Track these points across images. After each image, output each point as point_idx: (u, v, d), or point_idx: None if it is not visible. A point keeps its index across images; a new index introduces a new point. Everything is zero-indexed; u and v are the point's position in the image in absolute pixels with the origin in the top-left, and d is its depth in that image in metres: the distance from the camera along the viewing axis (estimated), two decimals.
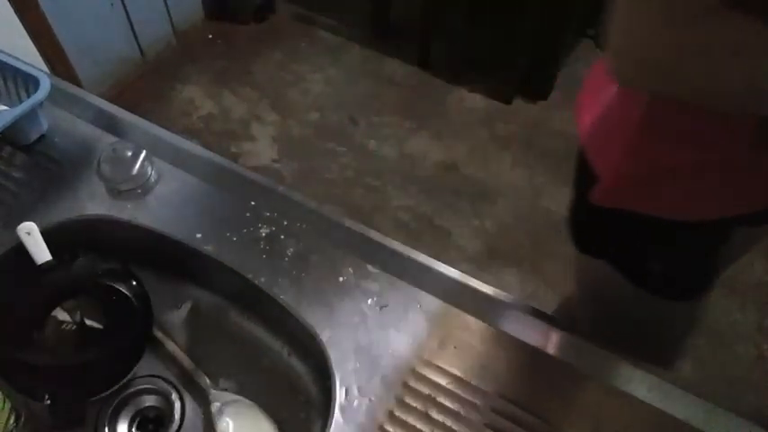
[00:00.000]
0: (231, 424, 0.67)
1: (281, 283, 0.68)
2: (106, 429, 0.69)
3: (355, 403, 0.60)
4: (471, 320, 0.67)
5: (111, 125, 0.84)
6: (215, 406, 0.68)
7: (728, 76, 0.43)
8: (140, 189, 0.76)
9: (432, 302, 0.68)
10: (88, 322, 0.72)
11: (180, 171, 0.79)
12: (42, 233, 0.67)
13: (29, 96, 0.75)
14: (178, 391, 0.72)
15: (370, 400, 0.61)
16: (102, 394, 0.65)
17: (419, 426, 0.59)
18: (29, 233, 0.67)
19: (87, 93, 0.88)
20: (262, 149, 2.07)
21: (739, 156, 0.52)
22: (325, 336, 0.65)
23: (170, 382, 0.72)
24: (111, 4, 2.01)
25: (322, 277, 0.69)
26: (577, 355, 0.64)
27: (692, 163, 0.54)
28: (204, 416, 0.70)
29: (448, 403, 0.61)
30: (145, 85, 2.23)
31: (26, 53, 1.74)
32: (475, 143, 2.11)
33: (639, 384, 0.62)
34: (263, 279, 0.69)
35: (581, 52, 2.42)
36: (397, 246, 0.73)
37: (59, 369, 0.64)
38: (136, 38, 2.19)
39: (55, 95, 0.82)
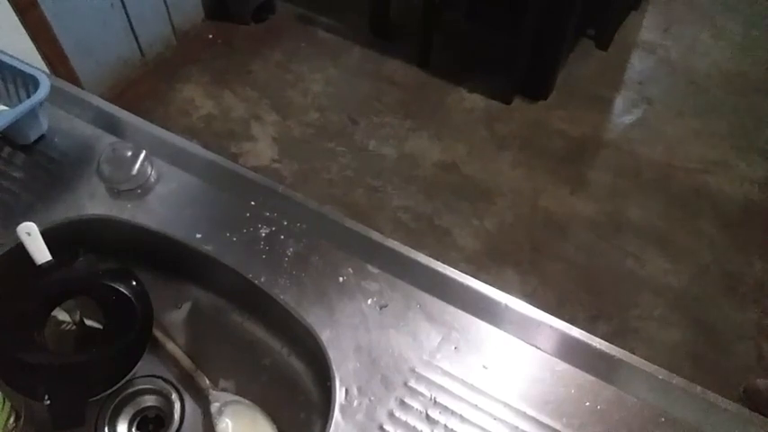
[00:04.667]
0: (231, 424, 0.67)
1: (281, 283, 0.68)
2: (106, 429, 0.69)
3: (355, 403, 0.60)
4: (471, 320, 0.67)
5: (111, 125, 0.84)
6: (215, 406, 0.68)
7: None
8: (140, 189, 0.76)
9: (432, 302, 0.68)
10: (88, 322, 0.72)
11: (180, 171, 0.79)
12: (42, 233, 0.67)
13: (29, 96, 0.75)
14: (178, 391, 0.72)
15: (370, 400, 0.61)
16: (102, 394, 0.65)
17: (419, 426, 0.59)
18: (29, 233, 0.66)
19: (87, 93, 0.88)
20: (262, 149, 2.07)
21: None
22: (325, 336, 0.65)
23: (170, 382, 0.72)
24: (111, 5, 2.01)
25: (322, 277, 0.69)
26: (577, 354, 0.64)
27: None
28: (204, 416, 0.70)
29: (448, 403, 0.61)
30: (145, 85, 2.23)
31: (26, 53, 1.74)
32: (475, 143, 2.11)
33: (639, 384, 0.62)
34: (263, 279, 0.69)
35: (581, 52, 2.42)
36: (397, 246, 0.73)
37: (59, 369, 0.64)
38: (136, 38, 2.19)
39: (55, 95, 0.82)
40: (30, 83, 0.77)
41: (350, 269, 0.70)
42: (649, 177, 2.03)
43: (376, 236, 0.74)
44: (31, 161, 0.80)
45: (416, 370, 0.63)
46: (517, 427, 0.59)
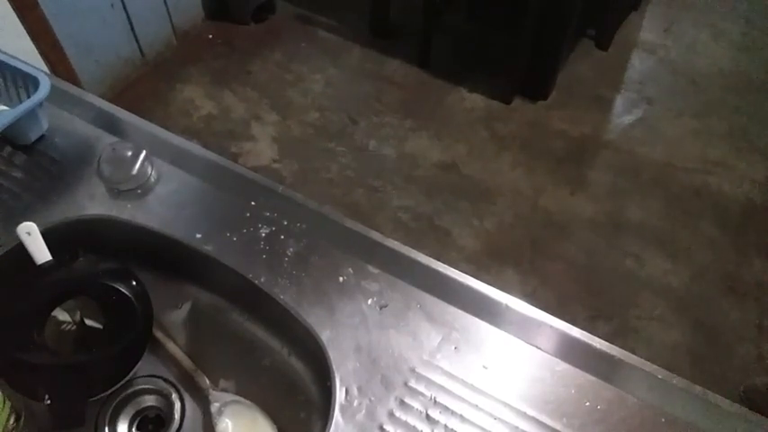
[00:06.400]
0: (231, 424, 0.67)
1: (281, 283, 0.68)
2: (106, 429, 0.69)
3: (355, 403, 0.60)
4: (471, 320, 0.67)
5: (111, 125, 0.84)
6: (215, 406, 0.68)
7: None
8: (140, 189, 0.76)
9: (432, 302, 0.68)
10: (88, 322, 0.72)
11: (180, 171, 0.79)
12: (42, 233, 0.67)
13: (29, 96, 0.75)
14: (178, 391, 0.72)
15: (370, 400, 0.61)
16: (102, 394, 0.65)
17: (419, 426, 0.59)
18: (29, 233, 0.66)
19: (87, 93, 0.88)
20: (262, 149, 2.07)
21: None
22: (325, 336, 0.65)
23: (170, 382, 0.72)
24: (111, 5, 2.01)
25: (322, 277, 0.69)
26: (577, 354, 0.64)
27: None
28: (204, 416, 0.70)
29: (448, 403, 0.61)
30: (145, 85, 2.23)
31: (26, 53, 1.74)
32: (475, 143, 2.11)
33: (639, 384, 0.62)
34: (263, 279, 0.69)
35: (581, 52, 2.42)
36: (397, 246, 0.73)
37: (59, 369, 0.64)
38: (136, 38, 2.19)
39: (55, 95, 0.82)
40: (30, 83, 0.77)
41: (350, 269, 0.70)
42: (649, 177, 2.03)
43: (376, 236, 0.74)
44: (31, 161, 0.79)
45: (416, 370, 0.63)
46: (517, 427, 0.59)
